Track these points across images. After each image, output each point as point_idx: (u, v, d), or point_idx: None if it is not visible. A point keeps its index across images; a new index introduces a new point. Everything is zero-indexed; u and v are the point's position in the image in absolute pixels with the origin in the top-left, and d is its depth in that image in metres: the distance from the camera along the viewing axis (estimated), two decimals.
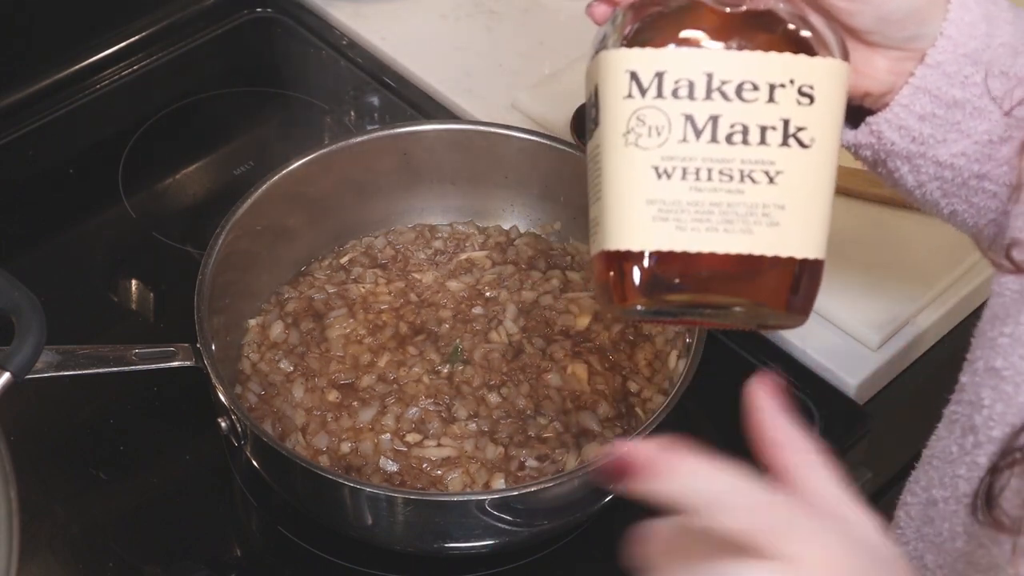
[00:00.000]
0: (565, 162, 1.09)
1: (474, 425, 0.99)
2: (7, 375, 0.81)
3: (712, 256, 0.70)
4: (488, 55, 1.32)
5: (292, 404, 1.00)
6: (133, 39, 1.34)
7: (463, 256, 1.12)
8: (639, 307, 0.72)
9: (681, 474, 0.62)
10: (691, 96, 0.70)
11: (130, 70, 1.32)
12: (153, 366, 0.95)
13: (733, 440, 1.08)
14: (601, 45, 0.73)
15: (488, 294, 1.08)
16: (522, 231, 1.14)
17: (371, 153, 1.11)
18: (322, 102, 1.31)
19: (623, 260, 0.71)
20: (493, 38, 1.34)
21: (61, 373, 0.92)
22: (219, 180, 1.25)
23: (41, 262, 1.17)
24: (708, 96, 0.70)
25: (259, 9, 1.39)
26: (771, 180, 0.70)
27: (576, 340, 1.05)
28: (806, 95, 0.71)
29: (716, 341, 1.07)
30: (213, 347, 0.94)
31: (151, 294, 1.16)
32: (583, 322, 1.06)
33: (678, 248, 0.70)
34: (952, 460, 0.79)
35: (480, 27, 1.35)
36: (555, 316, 1.06)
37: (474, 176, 1.13)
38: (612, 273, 0.72)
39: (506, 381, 1.01)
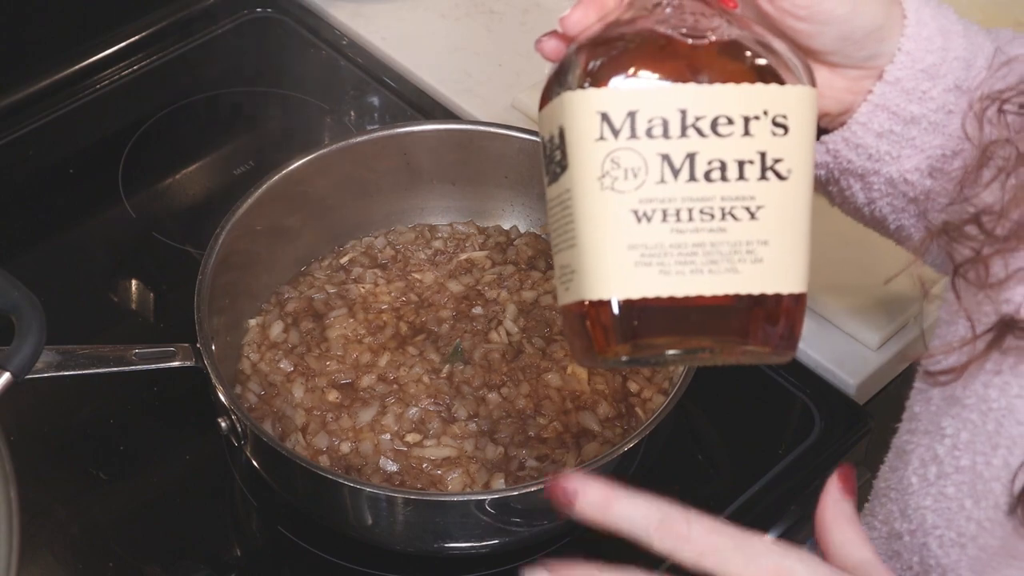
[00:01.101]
0: None
1: (474, 425, 0.99)
2: (7, 375, 0.81)
3: (699, 299, 0.68)
4: (488, 55, 1.32)
5: (292, 404, 1.00)
6: (133, 39, 1.34)
7: (463, 256, 1.12)
8: (624, 357, 0.70)
9: (621, 506, 0.64)
10: (666, 134, 0.68)
11: (130, 70, 1.32)
12: (153, 366, 0.94)
13: (733, 440, 1.09)
14: (561, 85, 0.70)
15: (488, 294, 1.08)
16: (522, 231, 1.14)
17: (371, 153, 1.10)
18: (322, 102, 1.31)
19: (605, 308, 0.69)
20: (493, 38, 1.34)
21: (61, 373, 0.92)
22: (219, 180, 1.25)
23: (41, 262, 1.17)
24: (683, 133, 0.68)
25: (259, 9, 1.39)
26: (752, 216, 0.68)
27: None
28: (780, 125, 0.69)
29: None
30: (213, 347, 0.94)
31: (151, 294, 1.16)
32: None
33: (664, 293, 0.68)
34: (913, 492, 0.77)
35: (480, 27, 1.35)
36: (555, 316, 1.06)
37: (474, 176, 1.13)
38: (592, 323, 0.69)
39: (506, 381, 1.01)
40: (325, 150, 1.08)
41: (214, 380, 0.92)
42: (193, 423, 1.02)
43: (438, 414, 0.99)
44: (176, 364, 0.94)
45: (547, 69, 0.92)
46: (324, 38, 1.36)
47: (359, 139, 1.10)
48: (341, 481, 0.90)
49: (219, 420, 0.94)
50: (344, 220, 1.12)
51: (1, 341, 0.82)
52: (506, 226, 1.14)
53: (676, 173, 0.68)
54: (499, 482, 0.96)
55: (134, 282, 1.17)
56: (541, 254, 1.12)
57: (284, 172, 1.06)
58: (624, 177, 0.68)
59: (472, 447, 0.97)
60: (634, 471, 0.93)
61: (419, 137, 1.11)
